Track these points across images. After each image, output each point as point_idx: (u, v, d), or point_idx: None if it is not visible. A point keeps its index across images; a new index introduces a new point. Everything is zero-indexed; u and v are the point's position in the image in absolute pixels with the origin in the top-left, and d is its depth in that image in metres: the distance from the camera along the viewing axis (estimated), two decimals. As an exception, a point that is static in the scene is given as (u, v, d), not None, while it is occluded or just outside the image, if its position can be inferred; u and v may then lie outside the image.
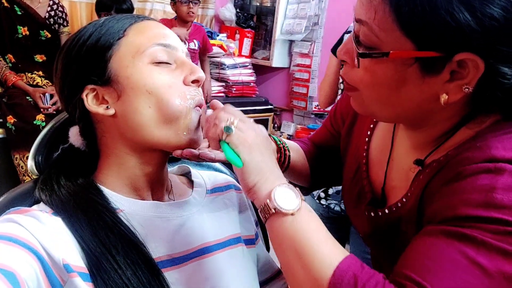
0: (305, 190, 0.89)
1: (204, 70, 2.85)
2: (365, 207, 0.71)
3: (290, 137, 3.37)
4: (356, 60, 0.56)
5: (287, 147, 0.81)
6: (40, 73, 2.29)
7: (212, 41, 3.03)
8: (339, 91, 1.51)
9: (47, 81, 2.31)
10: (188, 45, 2.68)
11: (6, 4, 2.15)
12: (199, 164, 0.85)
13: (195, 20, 2.76)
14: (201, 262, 0.60)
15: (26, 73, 2.26)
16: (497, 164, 0.49)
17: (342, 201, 1.37)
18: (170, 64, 0.59)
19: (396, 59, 0.51)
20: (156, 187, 0.63)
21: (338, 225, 1.44)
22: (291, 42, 3.29)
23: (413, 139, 0.64)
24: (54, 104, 2.21)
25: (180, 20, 2.62)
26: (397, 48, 0.50)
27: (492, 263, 0.45)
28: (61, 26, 2.40)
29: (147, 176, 0.61)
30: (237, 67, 3.16)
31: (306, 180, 0.88)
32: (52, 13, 2.34)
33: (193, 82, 0.59)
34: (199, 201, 0.67)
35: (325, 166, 0.87)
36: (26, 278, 0.45)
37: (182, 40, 2.58)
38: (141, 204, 0.60)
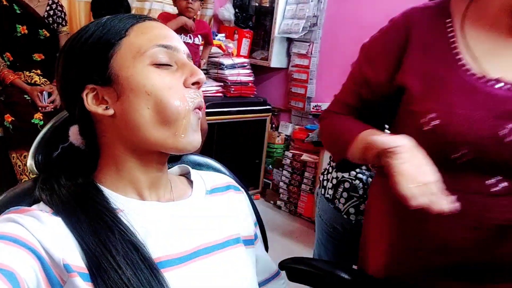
0: None
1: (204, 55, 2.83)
2: None
3: (287, 138, 3.38)
4: None
5: None
6: (38, 71, 2.29)
7: (211, 41, 3.03)
8: None
9: (45, 79, 2.30)
10: (193, 40, 2.65)
11: (5, 3, 2.14)
12: (199, 164, 0.85)
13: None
14: (201, 262, 0.60)
15: (24, 71, 2.25)
16: None
17: None
18: (171, 65, 0.59)
19: None
20: (156, 187, 0.63)
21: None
22: (290, 42, 3.29)
23: None
24: (52, 102, 2.20)
25: (179, 16, 2.53)
26: None
27: None
28: (60, 25, 2.40)
29: (147, 176, 0.62)
30: (235, 67, 3.16)
31: None
32: (51, 12, 2.34)
33: (193, 84, 0.59)
34: (199, 202, 0.67)
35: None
36: (26, 278, 0.45)
37: (189, 29, 2.57)
38: (141, 204, 0.60)
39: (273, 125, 3.47)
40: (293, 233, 2.84)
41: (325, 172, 1.41)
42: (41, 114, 2.12)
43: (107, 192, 0.59)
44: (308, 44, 3.15)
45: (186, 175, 0.74)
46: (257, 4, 3.44)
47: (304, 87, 3.21)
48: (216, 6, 3.55)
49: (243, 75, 3.19)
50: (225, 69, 3.11)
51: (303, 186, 3.02)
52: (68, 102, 0.62)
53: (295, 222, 3.02)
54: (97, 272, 0.50)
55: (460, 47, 0.77)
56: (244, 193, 0.78)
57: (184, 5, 2.46)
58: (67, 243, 0.51)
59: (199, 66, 2.69)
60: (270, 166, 3.40)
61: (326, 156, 2.77)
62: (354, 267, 1.15)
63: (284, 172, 3.16)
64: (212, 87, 3.06)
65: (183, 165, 0.76)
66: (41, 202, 0.58)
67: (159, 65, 0.58)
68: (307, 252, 2.54)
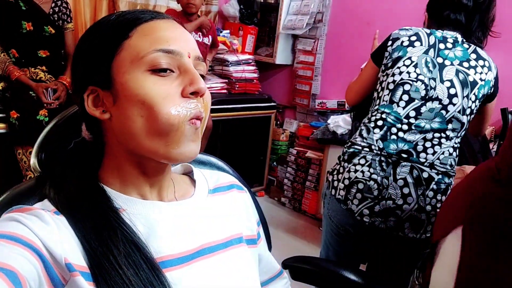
0: None
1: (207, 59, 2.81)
2: None
3: (292, 134, 3.37)
4: None
5: None
6: (44, 68, 2.29)
7: (215, 38, 3.02)
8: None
9: (50, 76, 2.30)
10: (203, 39, 2.63)
11: (10, -1, 2.15)
12: (202, 162, 0.84)
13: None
14: (203, 262, 0.60)
15: (30, 68, 2.26)
16: None
17: (389, 218, 1.27)
18: (172, 71, 0.56)
19: None
20: (158, 187, 0.63)
21: (375, 242, 1.35)
22: (295, 39, 3.28)
23: None
24: (57, 99, 2.21)
25: (183, 12, 2.52)
26: None
27: None
28: (65, 22, 2.40)
29: (147, 178, 0.61)
30: (240, 64, 3.15)
31: None
32: (56, 9, 2.34)
33: (192, 93, 0.56)
34: (201, 201, 0.67)
35: None
36: (28, 277, 0.45)
37: (205, 28, 2.56)
38: (143, 203, 0.60)
39: (278, 122, 3.46)
40: (297, 230, 2.84)
41: (335, 173, 1.37)
42: (46, 111, 2.12)
43: (110, 191, 0.59)
44: (313, 40, 3.13)
45: (189, 174, 0.73)
46: (262, 1, 3.42)
47: (309, 84, 3.20)
48: (221, 3, 3.54)
49: (248, 72, 3.19)
50: (229, 65, 3.10)
51: (307, 183, 3.01)
52: (75, 98, 0.62)
53: (299, 219, 3.02)
54: (99, 271, 0.50)
55: None
56: (247, 192, 0.77)
57: (185, 1, 2.43)
58: (69, 243, 0.51)
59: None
60: (275, 163, 3.40)
61: (331, 153, 2.77)
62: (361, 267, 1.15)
63: (289, 169, 3.15)
64: (216, 84, 3.05)
65: (186, 163, 0.75)
66: (44, 201, 0.58)
67: (157, 71, 0.55)
68: (311, 249, 2.54)
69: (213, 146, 2.83)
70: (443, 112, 1.25)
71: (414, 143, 1.26)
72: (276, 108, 3.33)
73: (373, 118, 1.32)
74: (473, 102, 1.26)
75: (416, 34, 1.31)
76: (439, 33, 1.31)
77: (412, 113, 1.26)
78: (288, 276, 0.84)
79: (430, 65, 1.27)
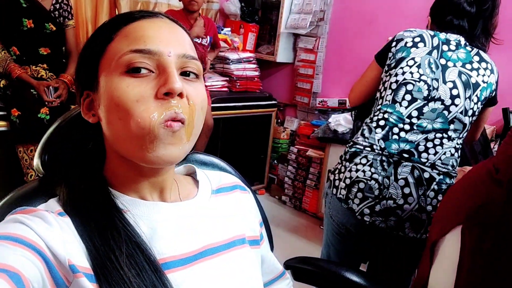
0: None
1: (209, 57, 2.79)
2: None
3: (293, 133, 3.37)
4: None
5: None
6: (45, 65, 2.29)
7: (216, 36, 3.01)
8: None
9: (51, 73, 2.30)
10: (201, 41, 2.62)
11: (11, -4, 2.15)
12: (204, 163, 0.84)
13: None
14: (206, 263, 0.60)
15: (31, 65, 2.25)
16: None
17: (390, 218, 1.27)
18: (152, 72, 0.54)
19: None
20: (159, 189, 0.63)
21: (376, 241, 1.36)
22: (296, 37, 3.27)
23: None
24: (58, 97, 2.20)
25: (185, 10, 2.52)
26: None
27: None
28: (66, 19, 2.39)
29: (147, 180, 0.61)
30: (241, 62, 3.15)
31: None
32: (57, 6, 2.34)
33: (167, 94, 0.53)
34: (204, 202, 0.67)
35: None
36: (31, 279, 0.45)
37: (200, 37, 2.54)
38: (146, 204, 0.60)
39: (279, 120, 3.46)
40: (297, 229, 2.85)
41: (337, 172, 1.38)
42: (47, 109, 2.12)
43: (114, 192, 0.59)
44: (314, 39, 3.13)
45: (192, 175, 0.73)
46: (263, -2, 3.42)
47: (310, 82, 3.20)
48: (222, 0, 3.54)
49: (249, 70, 3.18)
50: (230, 63, 3.10)
51: (308, 181, 3.02)
52: (78, 104, 0.63)
53: (299, 218, 3.02)
54: (101, 271, 0.50)
55: None
56: (250, 193, 0.77)
57: None
58: (73, 244, 0.51)
59: (205, 66, 2.67)
60: (275, 161, 3.40)
61: (331, 151, 2.76)
62: (362, 268, 1.15)
63: (289, 167, 3.15)
64: (217, 82, 3.05)
65: (189, 164, 0.75)
66: (48, 202, 0.58)
67: (132, 71, 0.53)
68: (311, 248, 2.54)
69: (214, 144, 2.83)
70: (445, 112, 1.25)
71: (415, 143, 1.26)
72: (277, 106, 3.33)
73: (375, 118, 1.32)
74: (475, 103, 1.27)
75: (420, 36, 1.32)
76: (442, 35, 1.32)
77: (415, 113, 1.26)
78: (290, 276, 0.85)
79: (433, 66, 1.27)
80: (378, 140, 1.29)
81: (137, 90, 0.52)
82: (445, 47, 1.29)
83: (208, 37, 2.67)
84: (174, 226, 0.60)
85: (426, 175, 1.25)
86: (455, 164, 1.28)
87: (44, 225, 0.50)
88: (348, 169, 1.32)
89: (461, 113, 1.25)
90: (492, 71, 1.29)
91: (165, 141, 0.53)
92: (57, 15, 2.34)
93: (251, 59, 3.24)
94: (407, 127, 1.27)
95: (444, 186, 1.26)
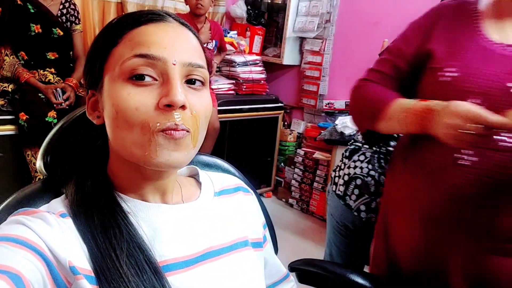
0: None
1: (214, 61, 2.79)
2: None
3: (300, 135, 3.36)
4: None
5: None
6: (52, 70, 2.31)
7: (223, 39, 3.02)
8: None
9: (59, 78, 2.32)
10: (207, 45, 2.63)
11: (19, 2, 2.17)
12: (208, 165, 0.84)
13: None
14: (208, 265, 0.60)
15: (39, 70, 2.28)
16: None
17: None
18: (156, 79, 0.53)
19: None
20: (161, 191, 0.62)
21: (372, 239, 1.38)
22: (303, 39, 3.27)
23: None
24: (67, 99, 2.22)
25: (191, 14, 2.52)
26: None
27: None
28: (73, 24, 2.42)
29: (149, 182, 0.61)
30: (247, 65, 3.15)
31: None
32: (64, 11, 2.36)
33: (167, 106, 0.52)
34: (207, 204, 0.67)
35: None
36: (32, 281, 0.45)
37: (206, 42, 2.53)
38: (148, 206, 0.60)
39: (285, 123, 3.46)
40: (304, 232, 2.83)
41: (337, 169, 1.40)
42: (55, 113, 2.13)
43: (117, 193, 0.59)
44: (321, 41, 3.12)
45: (195, 177, 0.73)
46: (269, 1, 3.42)
47: (317, 85, 3.19)
48: (228, 4, 3.54)
49: (255, 73, 3.18)
50: (237, 66, 3.10)
51: (315, 184, 3.00)
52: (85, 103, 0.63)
53: (307, 220, 3.01)
54: (100, 269, 0.50)
55: (484, 22, 0.90)
56: (254, 195, 0.77)
57: (194, 3, 2.43)
58: (74, 246, 0.51)
59: (211, 69, 2.68)
60: (282, 164, 3.39)
61: (338, 153, 2.75)
62: (366, 269, 1.14)
63: (296, 170, 3.14)
64: (224, 85, 3.06)
65: (192, 166, 0.75)
66: (50, 203, 0.58)
67: (134, 78, 0.53)
68: (318, 251, 2.52)
69: (221, 147, 2.83)
70: None
71: None
72: (284, 108, 3.32)
73: None
74: None
75: None
76: None
77: None
78: (294, 279, 0.84)
79: None
80: None
81: (137, 98, 0.52)
82: None
83: (214, 40, 2.68)
84: (176, 228, 0.60)
85: None
86: None
87: (45, 227, 0.50)
88: (347, 165, 1.34)
89: None
90: None
91: (167, 147, 0.52)
92: (64, 20, 2.36)
93: (258, 61, 3.24)
94: None
95: None
